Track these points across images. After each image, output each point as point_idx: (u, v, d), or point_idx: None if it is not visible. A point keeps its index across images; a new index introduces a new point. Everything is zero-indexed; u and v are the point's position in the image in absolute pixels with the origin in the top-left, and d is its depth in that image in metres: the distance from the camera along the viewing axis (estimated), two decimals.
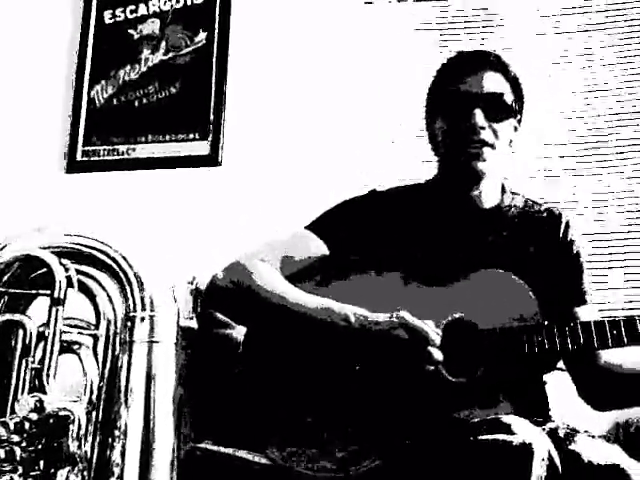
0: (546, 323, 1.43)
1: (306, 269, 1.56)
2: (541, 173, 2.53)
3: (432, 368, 1.37)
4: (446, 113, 1.55)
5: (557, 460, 1.22)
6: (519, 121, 1.59)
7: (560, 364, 1.57)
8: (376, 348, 1.41)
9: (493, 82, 1.53)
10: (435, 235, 1.57)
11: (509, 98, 1.55)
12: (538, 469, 1.17)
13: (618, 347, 1.41)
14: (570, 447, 1.29)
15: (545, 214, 1.62)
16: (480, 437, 1.22)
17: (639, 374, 1.48)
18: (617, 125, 2.55)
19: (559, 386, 1.59)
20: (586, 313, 1.54)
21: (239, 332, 2.05)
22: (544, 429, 1.31)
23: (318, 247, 1.56)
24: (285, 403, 1.47)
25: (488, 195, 1.59)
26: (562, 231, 1.59)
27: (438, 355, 1.37)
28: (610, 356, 1.50)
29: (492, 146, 1.52)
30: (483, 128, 1.50)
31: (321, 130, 2.61)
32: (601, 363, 1.51)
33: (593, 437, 1.39)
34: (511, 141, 1.58)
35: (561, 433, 1.35)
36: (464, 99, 1.52)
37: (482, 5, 2.71)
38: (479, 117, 1.50)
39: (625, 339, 1.39)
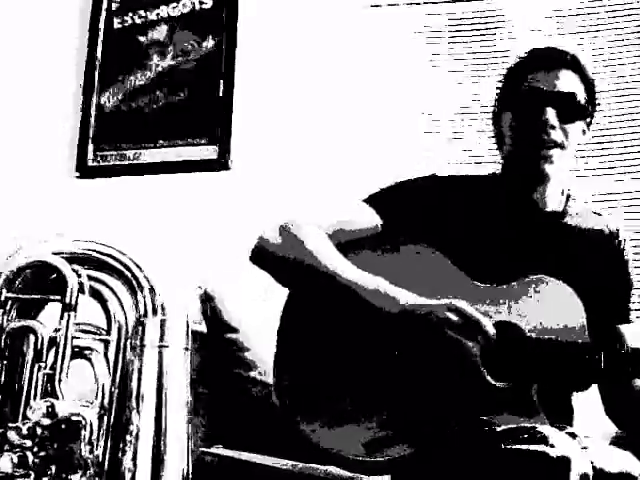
0: (594, 344, 1.40)
1: (357, 240, 1.52)
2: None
3: (477, 356, 1.35)
4: (516, 109, 1.52)
5: (591, 476, 1.20)
6: (589, 124, 1.56)
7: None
8: (423, 331, 1.38)
9: (567, 81, 1.50)
10: (491, 231, 1.54)
11: (582, 99, 1.51)
12: None
13: None
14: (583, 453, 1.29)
15: (605, 228, 1.59)
16: (516, 446, 1.20)
17: None
18: (618, 125, 2.54)
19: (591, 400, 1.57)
20: (629, 332, 1.53)
21: (247, 336, 2.05)
22: (570, 434, 1.30)
23: (372, 220, 1.53)
24: (322, 377, 1.44)
25: (550, 198, 1.56)
26: (619, 248, 1.58)
27: (490, 340, 1.34)
28: None
29: (562, 146, 1.48)
30: (554, 127, 1.47)
31: (329, 133, 2.61)
32: (636, 385, 1.49)
33: (607, 444, 1.38)
34: (578, 144, 1.55)
35: (578, 438, 1.34)
36: (536, 96, 1.48)
37: (489, 8, 2.70)
38: (551, 115, 1.47)
39: None
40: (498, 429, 1.28)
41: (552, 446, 1.18)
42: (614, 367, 1.37)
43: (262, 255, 1.51)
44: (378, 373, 1.42)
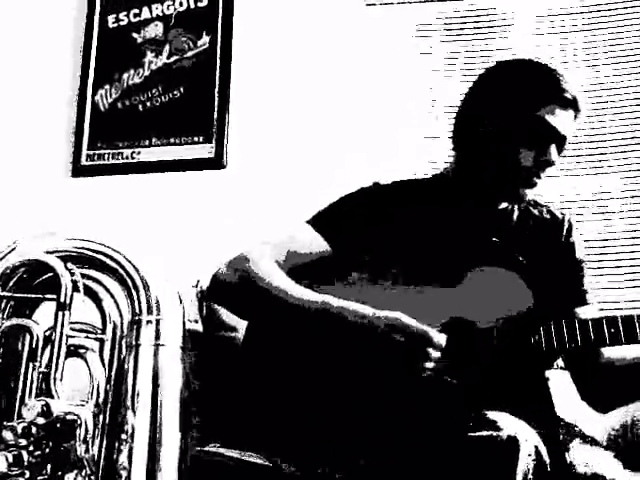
0: (544, 321, 1.42)
1: (307, 265, 1.54)
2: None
3: (430, 368, 1.36)
4: (521, 135, 1.49)
5: (545, 455, 1.22)
6: None
7: (561, 363, 1.57)
8: (373, 347, 1.39)
9: (570, 123, 1.50)
10: (440, 233, 1.55)
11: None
12: (524, 463, 1.17)
13: (615, 345, 1.41)
14: (565, 454, 1.30)
15: (548, 215, 1.63)
16: (467, 433, 1.22)
17: (638, 364, 1.48)
18: (619, 124, 2.54)
19: (566, 385, 1.59)
20: (586, 313, 1.54)
21: (243, 333, 2.05)
22: (541, 432, 1.30)
23: (319, 244, 1.55)
24: (282, 402, 1.46)
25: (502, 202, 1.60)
26: (565, 233, 1.61)
27: (436, 355, 1.35)
28: (611, 353, 1.50)
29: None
30: (553, 164, 1.49)
31: (325, 132, 2.62)
32: (602, 361, 1.51)
33: (595, 443, 1.39)
34: None
35: (560, 436, 1.35)
36: (547, 132, 1.48)
37: (486, 6, 2.71)
38: (554, 154, 1.49)
39: (623, 337, 1.39)
40: (455, 421, 1.29)
41: (500, 429, 1.20)
42: (566, 339, 1.40)
43: (219, 292, 1.54)
44: (339, 387, 1.43)
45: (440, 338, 1.36)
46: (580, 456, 1.32)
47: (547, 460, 1.22)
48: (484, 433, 1.20)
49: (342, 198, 1.62)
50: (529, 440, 1.21)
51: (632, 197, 2.49)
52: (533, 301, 1.47)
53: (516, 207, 1.62)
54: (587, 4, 2.64)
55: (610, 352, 1.51)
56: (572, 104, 1.50)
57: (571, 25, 2.63)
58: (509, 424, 1.22)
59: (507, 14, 2.69)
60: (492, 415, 1.24)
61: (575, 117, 1.52)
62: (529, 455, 1.19)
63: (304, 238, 1.56)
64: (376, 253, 1.54)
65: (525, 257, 1.54)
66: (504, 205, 1.61)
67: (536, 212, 1.63)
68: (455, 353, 1.42)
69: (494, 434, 1.19)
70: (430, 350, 1.35)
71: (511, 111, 1.51)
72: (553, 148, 1.49)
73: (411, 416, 1.38)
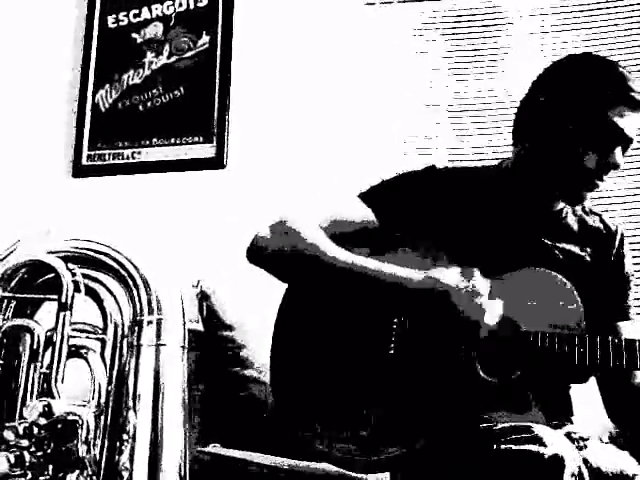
0: (590, 336, 1.39)
1: (351, 235, 1.51)
2: None
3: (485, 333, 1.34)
4: (587, 134, 1.45)
5: (586, 476, 1.21)
6: None
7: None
8: (413, 306, 1.38)
9: (635, 125, 1.46)
10: (492, 224, 1.53)
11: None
12: None
13: None
14: (581, 452, 1.29)
15: (602, 225, 1.60)
16: (510, 446, 1.20)
17: None
18: None
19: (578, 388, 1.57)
20: (628, 329, 1.52)
21: (243, 334, 2.05)
22: (567, 433, 1.30)
23: (366, 215, 1.52)
24: (318, 377, 1.44)
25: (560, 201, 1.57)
26: (617, 245, 1.58)
27: (493, 317, 1.35)
28: None
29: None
30: (618, 167, 1.46)
31: (325, 132, 2.61)
32: (635, 383, 1.49)
33: (606, 442, 1.38)
34: None
35: (575, 437, 1.34)
36: (615, 134, 1.44)
37: (487, 4, 2.71)
38: (620, 157, 1.45)
39: None
40: (494, 428, 1.28)
41: (545, 446, 1.18)
42: (607, 357, 1.37)
43: (259, 252, 1.51)
44: (374, 371, 1.42)
45: (483, 287, 1.36)
46: (598, 454, 1.31)
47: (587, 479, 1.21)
48: (531, 448, 1.19)
49: (396, 177, 1.59)
50: (574, 460, 1.20)
51: (634, 195, 2.48)
52: (583, 313, 1.44)
53: (570, 211, 1.58)
54: (586, 2, 2.64)
55: None
56: (636, 104, 1.45)
57: (572, 22, 2.63)
58: (555, 441, 1.20)
59: (507, 12, 2.68)
60: (538, 430, 1.22)
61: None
62: (573, 475, 1.18)
63: (353, 210, 1.54)
64: (423, 234, 1.51)
65: (576, 264, 1.52)
66: (560, 207, 1.57)
67: (590, 220, 1.60)
68: (498, 352, 1.41)
69: (541, 451, 1.18)
70: (485, 320, 1.34)
71: (579, 109, 1.46)
72: (618, 150, 1.45)
73: (445, 408, 1.37)
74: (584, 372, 1.47)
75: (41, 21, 2.86)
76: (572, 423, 1.46)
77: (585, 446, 1.33)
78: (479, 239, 1.50)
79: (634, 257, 2.40)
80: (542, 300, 1.44)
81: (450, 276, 1.38)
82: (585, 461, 1.26)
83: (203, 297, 2.12)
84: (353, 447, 1.36)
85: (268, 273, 1.52)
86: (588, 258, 1.55)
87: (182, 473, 0.80)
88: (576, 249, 1.55)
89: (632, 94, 1.44)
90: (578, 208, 1.60)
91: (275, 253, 1.48)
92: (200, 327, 2.07)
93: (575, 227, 1.58)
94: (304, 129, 2.63)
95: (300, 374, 1.45)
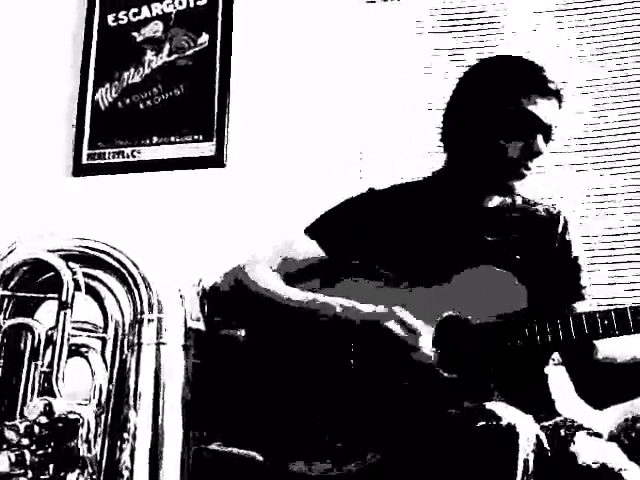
0: (537, 316, 1.43)
1: (303, 271, 1.59)
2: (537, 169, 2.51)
3: (420, 360, 1.40)
4: (504, 126, 1.50)
5: (546, 443, 1.23)
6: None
7: (558, 358, 1.58)
8: (363, 339, 1.44)
9: (553, 113, 1.51)
10: (433, 234, 1.58)
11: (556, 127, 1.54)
12: (524, 451, 1.18)
13: (610, 337, 1.42)
14: (569, 447, 1.30)
15: (544, 213, 1.63)
16: (467, 426, 1.23)
17: (635, 363, 1.48)
18: (617, 125, 2.54)
19: (566, 381, 1.59)
20: (584, 307, 1.54)
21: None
22: (545, 426, 1.31)
23: (314, 251, 1.59)
24: (281, 402, 1.49)
25: (494, 197, 1.61)
26: (560, 230, 1.61)
27: (427, 348, 1.39)
28: (606, 349, 1.51)
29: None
30: (541, 154, 1.50)
31: (325, 130, 2.61)
32: (598, 357, 1.51)
33: (597, 436, 1.39)
34: None
35: (562, 431, 1.35)
36: (532, 121, 1.49)
37: (482, 3, 2.70)
38: (542, 144, 1.50)
39: (616, 329, 1.40)
40: (450, 413, 1.31)
41: (498, 418, 1.21)
42: (560, 333, 1.41)
43: (213, 299, 1.65)
44: (338, 386, 1.46)
45: (425, 333, 1.41)
46: (585, 447, 1.32)
47: (548, 447, 1.23)
48: (483, 423, 1.21)
49: (337, 205, 1.66)
50: (528, 428, 1.22)
51: (636, 192, 2.48)
52: (527, 300, 1.48)
53: (509, 204, 1.62)
54: (582, 3, 2.63)
55: (606, 350, 1.51)
56: (554, 93, 1.51)
57: (568, 21, 2.63)
58: (507, 413, 1.23)
59: (510, 10, 2.68)
60: (490, 405, 1.25)
61: (559, 107, 1.52)
62: (529, 443, 1.20)
63: (300, 245, 1.61)
64: (370, 257, 1.57)
65: (520, 255, 1.55)
66: (497, 203, 1.62)
67: (531, 210, 1.63)
68: (451, 348, 1.45)
69: (493, 423, 1.20)
70: (420, 340, 1.39)
71: (493, 104, 1.52)
72: (540, 138, 1.49)
73: (410, 409, 1.39)
74: (539, 354, 1.51)
75: (41, 20, 2.86)
76: (558, 416, 1.47)
77: (573, 441, 1.33)
78: (424, 250, 1.55)
79: (633, 255, 2.43)
80: (488, 294, 1.49)
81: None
82: (572, 455, 1.28)
83: (204, 295, 2.12)
84: (327, 463, 1.38)
85: (225, 319, 1.60)
86: (533, 247, 1.58)
87: (183, 472, 0.80)
88: (518, 240, 1.58)
89: (543, 82, 1.50)
90: (519, 201, 1.63)
91: (228, 296, 1.60)
92: (201, 325, 2.07)
93: (517, 219, 1.61)
94: (304, 127, 2.63)
95: (266, 399, 1.51)
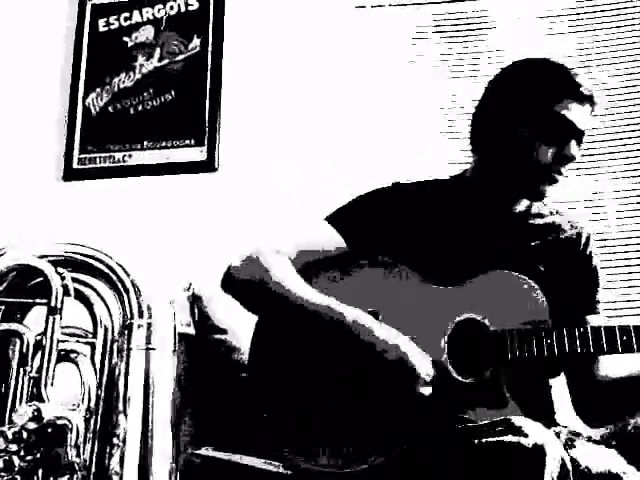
0: (556, 328, 1.42)
1: (323, 262, 1.55)
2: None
3: (421, 393, 1.37)
4: (539, 131, 1.49)
5: (568, 463, 1.21)
6: None
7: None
8: (367, 359, 1.40)
9: (586, 118, 1.51)
10: (458, 233, 1.56)
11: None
12: (550, 471, 1.17)
13: (628, 353, 1.40)
14: (569, 452, 1.29)
15: (568, 226, 1.62)
16: (490, 439, 1.21)
17: (631, 378, 1.48)
18: (613, 125, 2.55)
19: (562, 389, 1.59)
20: (596, 322, 1.53)
21: (235, 337, 2.05)
22: (555, 433, 1.31)
23: (335, 240, 1.55)
24: (290, 400, 1.46)
25: (522, 201, 1.60)
26: (583, 244, 1.61)
27: (426, 392, 1.36)
28: (609, 368, 1.51)
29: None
30: (574, 159, 1.50)
31: (317, 135, 2.62)
32: (599, 373, 1.51)
33: (595, 442, 1.39)
34: None
35: (562, 438, 1.35)
36: (566, 127, 1.48)
37: (476, 8, 2.71)
38: (575, 149, 1.49)
39: (635, 345, 1.39)
40: (473, 425, 1.29)
41: (526, 435, 1.19)
42: (577, 345, 1.40)
43: (230, 282, 1.55)
44: (345, 386, 1.44)
45: (426, 375, 1.37)
46: (586, 453, 1.32)
47: (570, 468, 1.22)
48: (510, 439, 1.19)
49: (361, 196, 1.62)
50: (555, 448, 1.20)
51: (627, 197, 2.49)
52: (549, 310, 1.46)
53: (537, 213, 1.61)
54: (582, 5, 2.64)
55: (606, 369, 1.51)
56: (588, 99, 1.50)
57: (567, 26, 2.64)
58: (535, 430, 1.21)
59: (499, 16, 2.69)
60: (517, 420, 1.23)
61: (592, 112, 1.51)
62: (555, 462, 1.18)
63: (321, 234, 1.57)
64: (392, 251, 1.53)
65: (543, 264, 1.54)
66: (523, 208, 1.60)
67: (556, 220, 1.63)
68: (467, 352, 1.43)
69: (521, 440, 1.18)
70: (422, 376, 1.36)
71: (527, 108, 1.51)
72: (573, 143, 1.49)
73: (424, 413, 1.38)
74: (555, 365, 1.50)
75: (32, 24, 2.86)
76: (557, 425, 1.47)
77: (573, 446, 1.33)
78: (446, 249, 1.53)
79: (625, 259, 2.44)
80: (509, 300, 1.47)
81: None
82: (573, 461, 1.27)
83: (195, 300, 2.11)
84: (334, 462, 1.37)
85: (238, 303, 1.56)
86: (556, 257, 1.57)
87: (173, 476, 0.80)
88: (542, 249, 1.57)
89: (577, 87, 1.49)
90: (545, 210, 1.63)
91: (244, 286, 1.52)
92: (191, 330, 2.07)
93: (541, 227, 1.60)
94: (295, 132, 2.63)
95: (274, 396, 1.48)
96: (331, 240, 1.55)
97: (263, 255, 1.52)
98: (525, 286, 1.48)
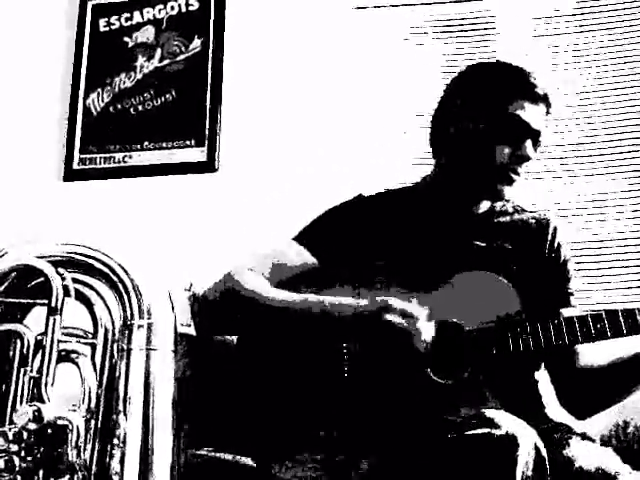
0: (530, 322, 1.44)
1: (295, 279, 1.57)
2: (531, 175, 2.52)
3: (423, 347, 1.38)
4: (493, 131, 1.52)
5: (543, 451, 1.22)
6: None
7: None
8: (358, 335, 1.42)
9: (540, 118, 1.52)
10: (423, 239, 1.58)
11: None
12: (524, 460, 1.18)
13: (602, 340, 1.42)
14: (563, 451, 1.30)
15: (533, 220, 1.64)
16: (465, 433, 1.22)
17: (614, 364, 1.48)
18: (611, 127, 2.56)
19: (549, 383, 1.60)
20: (571, 313, 1.54)
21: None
22: (538, 431, 1.31)
23: (304, 258, 1.58)
24: (275, 407, 1.47)
25: (483, 202, 1.62)
26: (550, 237, 1.62)
27: (427, 334, 1.38)
28: (587, 357, 1.52)
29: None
30: (529, 159, 1.51)
31: (317, 136, 2.62)
32: (579, 364, 1.52)
33: (590, 440, 1.39)
34: None
35: (556, 436, 1.35)
36: (521, 127, 1.50)
37: (475, 9, 2.71)
38: (530, 149, 1.51)
39: (609, 332, 1.40)
40: (449, 420, 1.30)
41: (498, 427, 1.20)
42: (552, 337, 1.41)
43: (204, 308, 1.62)
44: (331, 395, 1.45)
45: (423, 314, 1.39)
46: (580, 452, 1.32)
47: (545, 456, 1.22)
48: (482, 431, 1.20)
49: (326, 212, 1.65)
50: (528, 437, 1.21)
51: (627, 199, 2.49)
52: (520, 304, 1.48)
53: (499, 210, 1.63)
54: (578, 7, 2.65)
55: (586, 358, 1.52)
56: (542, 99, 1.52)
57: (564, 27, 2.64)
58: (507, 421, 1.22)
59: (498, 17, 2.69)
60: (489, 413, 1.25)
61: (547, 112, 1.54)
62: (528, 452, 1.19)
63: (290, 253, 1.60)
64: (361, 264, 1.56)
65: (510, 261, 1.56)
66: (486, 208, 1.62)
67: (521, 216, 1.64)
68: (445, 354, 1.44)
69: (492, 431, 1.19)
70: (421, 329, 1.37)
71: (482, 109, 1.53)
72: (528, 143, 1.51)
73: (405, 416, 1.39)
74: (534, 359, 1.51)
75: (33, 25, 2.86)
76: (549, 420, 1.47)
77: (568, 444, 1.34)
78: (414, 256, 1.55)
79: (619, 260, 2.44)
80: (482, 300, 1.49)
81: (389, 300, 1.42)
82: (568, 460, 1.28)
83: (195, 300, 2.11)
84: (322, 473, 1.38)
85: (216, 332, 1.59)
86: (523, 253, 1.58)
87: (173, 477, 0.80)
88: (509, 246, 1.58)
89: (531, 87, 1.51)
90: (509, 208, 1.64)
91: (220, 299, 1.56)
92: (192, 331, 2.07)
93: (506, 225, 1.62)
94: (296, 133, 2.63)
95: (259, 405, 1.49)
96: (303, 259, 1.58)
97: (235, 271, 1.56)
98: (496, 284, 1.50)
